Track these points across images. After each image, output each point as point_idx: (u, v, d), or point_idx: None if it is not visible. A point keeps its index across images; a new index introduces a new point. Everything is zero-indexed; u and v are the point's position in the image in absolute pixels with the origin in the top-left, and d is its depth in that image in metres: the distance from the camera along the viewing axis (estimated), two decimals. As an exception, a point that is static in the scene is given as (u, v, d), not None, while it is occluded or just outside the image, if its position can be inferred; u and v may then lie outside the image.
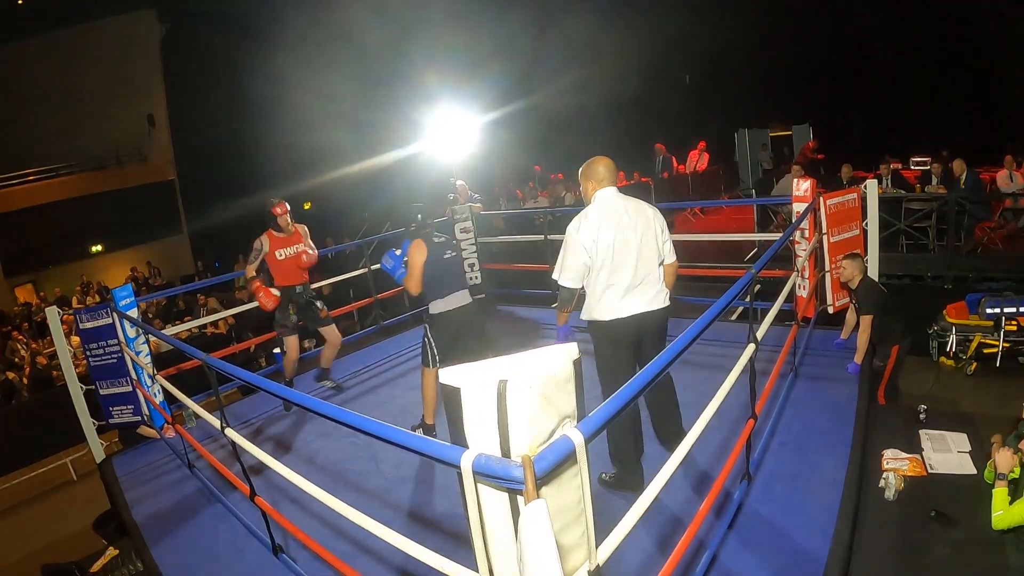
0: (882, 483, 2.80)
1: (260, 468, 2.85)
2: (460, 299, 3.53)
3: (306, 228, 4.54)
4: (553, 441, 1.27)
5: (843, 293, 4.40)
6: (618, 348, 2.88)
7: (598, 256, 2.73)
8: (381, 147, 12.25)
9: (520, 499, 1.22)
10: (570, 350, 1.41)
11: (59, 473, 6.86)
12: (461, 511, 1.36)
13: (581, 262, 2.76)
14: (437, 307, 3.49)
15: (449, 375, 1.34)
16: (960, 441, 3.08)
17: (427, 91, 10.30)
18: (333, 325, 4.60)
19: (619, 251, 2.73)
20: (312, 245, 4.52)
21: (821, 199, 4.31)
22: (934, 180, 7.59)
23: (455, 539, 2.72)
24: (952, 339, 5.95)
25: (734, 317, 5.39)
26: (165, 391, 4.03)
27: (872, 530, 2.56)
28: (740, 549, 2.45)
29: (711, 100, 13.55)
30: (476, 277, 6.26)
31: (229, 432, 2.59)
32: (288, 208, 4.36)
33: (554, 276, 2.88)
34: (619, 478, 2.92)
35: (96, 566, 3.35)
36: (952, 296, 6.25)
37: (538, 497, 1.14)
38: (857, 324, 3.96)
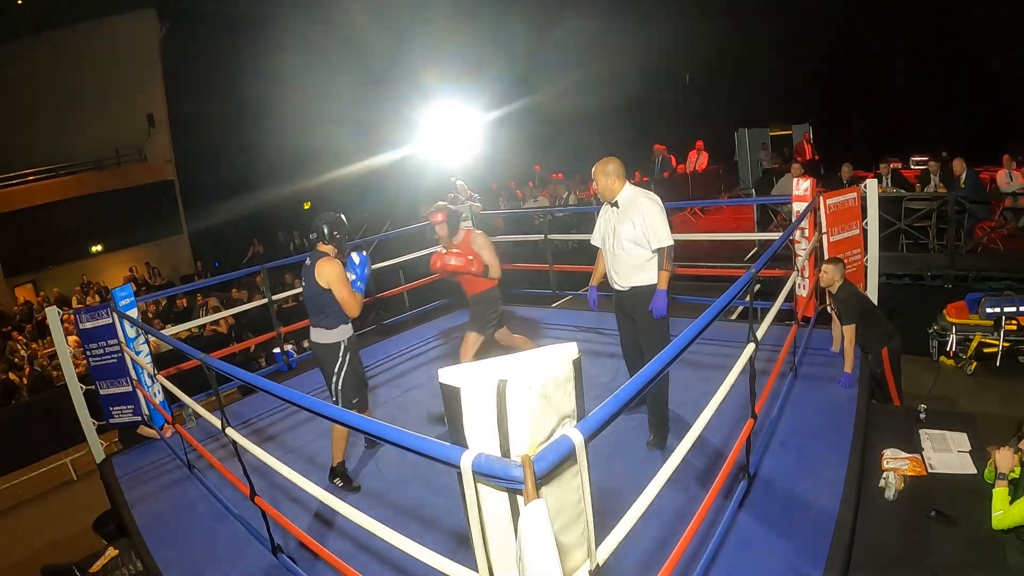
0: (882, 483, 2.80)
1: (260, 468, 2.85)
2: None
3: (483, 239, 3.87)
4: (553, 441, 1.27)
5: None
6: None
7: None
8: (380, 147, 12.26)
9: (520, 499, 1.22)
10: (570, 350, 1.41)
11: (59, 473, 6.86)
12: (461, 511, 1.36)
13: None
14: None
15: (449, 374, 1.34)
16: (960, 441, 3.07)
17: (427, 91, 10.31)
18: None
19: None
20: (472, 253, 3.80)
21: (821, 198, 4.30)
22: (934, 180, 7.59)
23: (455, 539, 2.71)
24: (952, 339, 5.95)
25: (734, 317, 5.38)
26: (165, 391, 4.03)
27: (872, 530, 2.56)
28: (740, 549, 2.45)
29: (711, 100, 13.54)
30: (476, 277, 6.25)
31: (230, 431, 2.59)
32: (441, 217, 3.83)
33: (667, 243, 3.16)
34: None
35: (96, 566, 3.34)
36: (952, 296, 6.25)
37: (538, 497, 1.14)
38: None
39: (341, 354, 3.26)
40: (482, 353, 3.82)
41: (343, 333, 3.27)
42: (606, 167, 3.24)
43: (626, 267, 3.29)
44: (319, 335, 3.26)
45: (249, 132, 13.94)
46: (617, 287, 3.38)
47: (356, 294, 3.19)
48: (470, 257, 3.73)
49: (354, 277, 3.22)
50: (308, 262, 3.24)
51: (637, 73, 12.59)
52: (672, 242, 3.18)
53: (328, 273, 3.12)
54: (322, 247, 3.24)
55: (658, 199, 3.22)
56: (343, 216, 3.33)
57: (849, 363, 3.73)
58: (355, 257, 3.27)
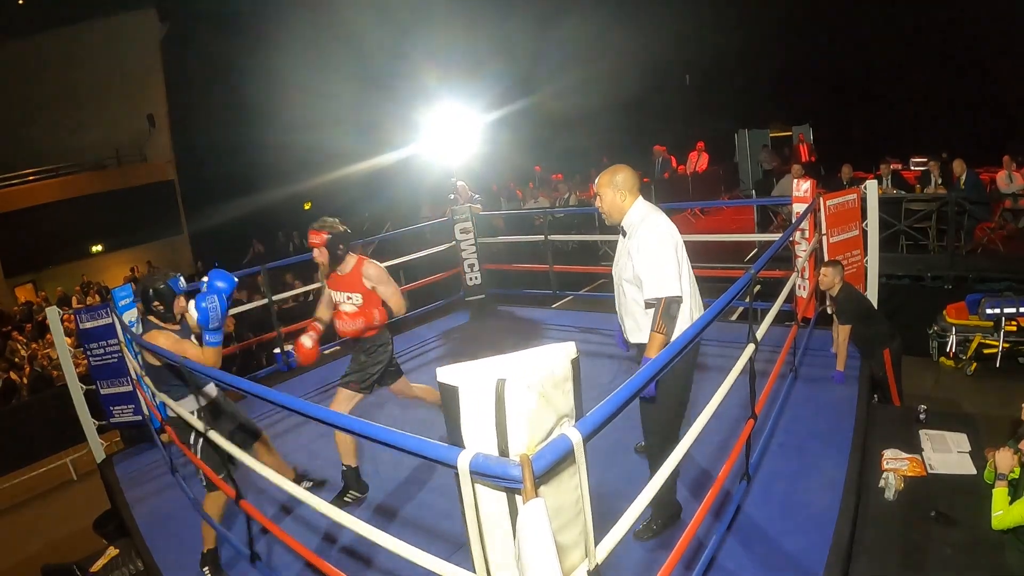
0: (882, 483, 2.80)
1: (247, 469, 2.83)
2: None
3: (376, 271, 3.07)
4: (551, 440, 1.26)
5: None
6: (692, 368, 2.52)
7: (682, 259, 2.40)
8: (381, 147, 12.25)
9: (518, 498, 1.22)
10: (568, 350, 1.40)
11: (59, 473, 6.87)
12: (458, 512, 1.35)
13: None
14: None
15: (447, 374, 1.34)
16: (960, 441, 3.07)
17: (427, 91, 10.31)
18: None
19: (684, 256, 2.43)
20: (362, 291, 3.05)
21: (821, 200, 4.30)
22: (934, 180, 7.59)
23: (452, 541, 2.71)
24: (952, 339, 5.95)
25: (734, 317, 5.38)
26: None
27: (872, 530, 2.55)
28: (740, 549, 2.45)
29: (711, 100, 13.54)
30: (476, 277, 6.26)
31: (212, 434, 2.54)
32: (319, 240, 2.95)
33: (664, 292, 2.28)
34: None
35: (96, 566, 3.34)
36: (952, 296, 6.25)
37: (536, 496, 1.14)
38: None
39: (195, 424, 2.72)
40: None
41: (193, 404, 2.70)
42: (614, 177, 2.45)
43: (631, 316, 2.52)
44: (169, 407, 2.75)
45: (249, 132, 13.94)
46: (625, 338, 2.66)
47: (206, 349, 2.63)
48: (361, 309, 3.02)
49: (199, 330, 2.63)
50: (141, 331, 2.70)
51: (637, 73, 12.59)
52: (676, 292, 2.28)
53: (158, 346, 2.59)
54: (151, 319, 2.72)
55: (664, 225, 2.38)
56: (175, 283, 2.69)
57: (841, 362, 3.77)
58: (192, 311, 2.62)
